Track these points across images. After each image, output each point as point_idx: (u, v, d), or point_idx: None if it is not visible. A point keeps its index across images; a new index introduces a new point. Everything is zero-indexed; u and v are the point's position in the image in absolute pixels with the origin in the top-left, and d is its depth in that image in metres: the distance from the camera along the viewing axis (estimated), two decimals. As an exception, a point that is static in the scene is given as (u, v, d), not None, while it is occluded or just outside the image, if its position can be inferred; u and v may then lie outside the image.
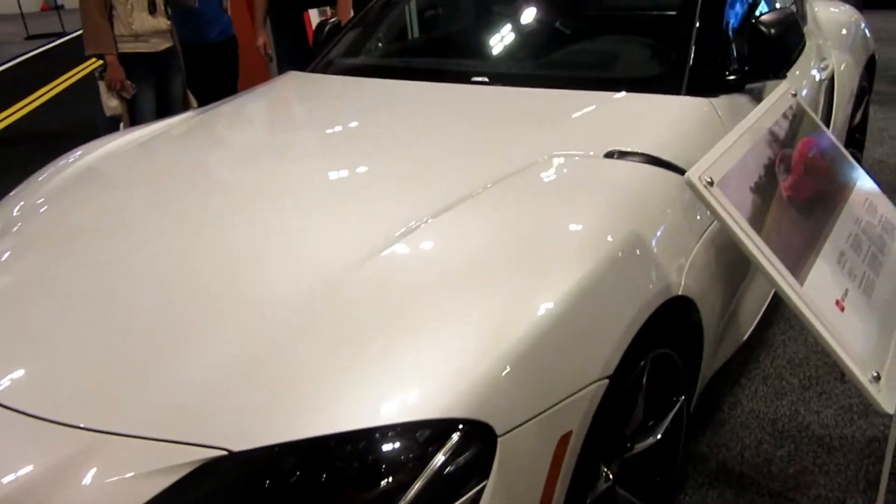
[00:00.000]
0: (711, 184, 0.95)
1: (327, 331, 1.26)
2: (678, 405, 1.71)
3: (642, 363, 1.48)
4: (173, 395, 1.19)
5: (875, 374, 0.94)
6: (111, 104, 3.64)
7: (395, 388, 1.15)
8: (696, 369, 1.80)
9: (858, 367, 0.92)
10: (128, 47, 3.57)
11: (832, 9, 3.59)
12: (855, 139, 3.53)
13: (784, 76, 2.12)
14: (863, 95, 3.49)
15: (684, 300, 1.58)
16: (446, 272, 1.36)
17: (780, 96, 1.25)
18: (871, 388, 0.93)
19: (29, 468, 1.11)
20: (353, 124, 2.15)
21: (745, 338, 2.16)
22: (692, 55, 2.07)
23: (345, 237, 1.50)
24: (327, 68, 2.59)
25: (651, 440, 1.64)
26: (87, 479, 1.09)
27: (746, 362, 2.47)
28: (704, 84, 2.03)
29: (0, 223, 1.87)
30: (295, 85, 2.58)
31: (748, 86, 2.15)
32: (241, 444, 1.11)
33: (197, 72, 3.98)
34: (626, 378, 1.40)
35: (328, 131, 2.17)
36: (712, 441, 2.14)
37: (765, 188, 1.02)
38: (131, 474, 1.10)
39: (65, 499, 1.08)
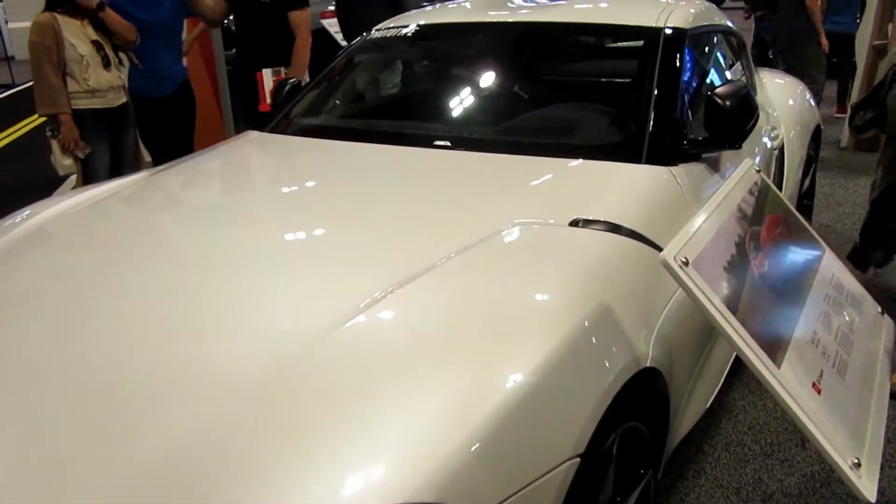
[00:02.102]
0: (686, 264, 0.94)
1: (284, 412, 1.19)
2: (646, 478, 1.67)
3: (612, 438, 1.45)
4: (111, 494, 1.09)
5: (855, 461, 0.92)
6: (65, 163, 3.54)
7: (358, 471, 1.09)
8: (662, 440, 1.77)
9: (839, 454, 0.91)
10: (83, 103, 3.50)
11: (778, 80, 3.73)
12: (804, 205, 3.64)
13: (739, 146, 2.17)
14: (810, 163, 3.61)
15: (652, 371, 1.56)
16: (411, 346, 1.31)
17: (744, 172, 1.27)
18: (853, 476, 0.91)
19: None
20: (314, 188, 2.11)
21: (709, 404, 2.15)
22: (651, 124, 2.11)
23: (306, 309, 1.44)
24: (286, 128, 2.56)
25: (620, 517, 1.60)
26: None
27: (708, 428, 2.46)
28: (664, 153, 2.06)
29: None
30: (253, 145, 2.54)
31: (704, 155, 2.19)
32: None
33: (152, 126, 3.91)
34: (597, 455, 1.36)
35: (288, 195, 2.12)
36: (678, 512, 2.10)
37: (738, 267, 1.01)
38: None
39: None
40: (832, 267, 1.21)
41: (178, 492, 1.08)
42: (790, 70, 4.92)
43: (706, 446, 2.38)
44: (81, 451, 1.16)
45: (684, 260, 0.95)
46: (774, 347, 0.95)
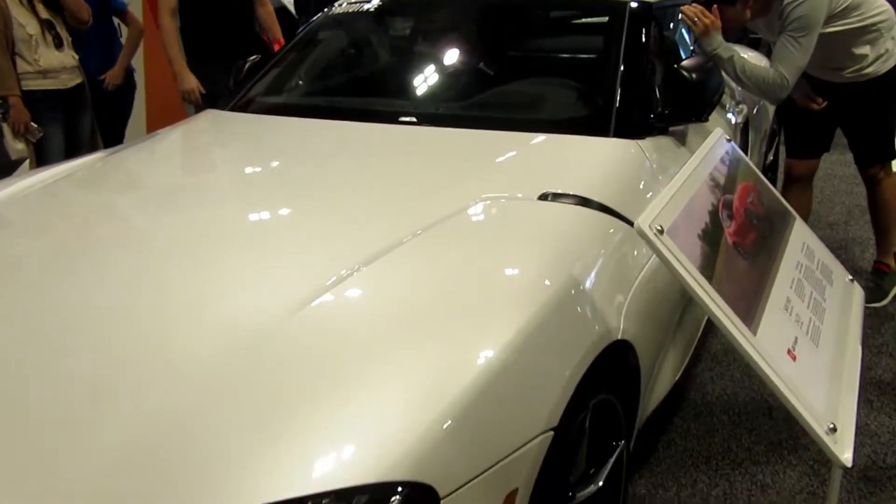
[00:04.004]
0: (662, 232, 0.93)
1: (250, 392, 1.16)
2: (618, 450, 1.67)
3: (585, 411, 1.44)
4: (74, 481, 1.05)
5: (831, 426, 0.92)
6: (17, 147, 3.41)
7: (327, 451, 1.06)
8: (633, 412, 1.78)
9: (815, 420, 0.91)
10: (34, 84, 3.38)
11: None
12: (768, 178, 3.67)
13: (706, 119, 2.17)
14: (773, 137, 3.64)
15: (623, 344, 1.56)
16: (380, 324, 1.29)
17: (716, 140, 1.26)
18: (829, 441, 0.92)
19: None
20: (276, 166, 2.06)
21: (678, 376, 2.17)
22: (618, 98, 2.10)
23: (271, 289, 1.41)
24: (247, 107, 2.50)
25: (593, 488, 1.60)
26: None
27: (678, 400, 2.48)
28: (631, 126, 2.06)
29: None
30: (213, 124, 2.47)
31: (671, 128, 2.19)
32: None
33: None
34: (571, 428, 1.35)
35: (249, 174, 2.07)
36: (649, 482, 2.12)
37: (711, 235, 1.00)
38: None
39: None
40: (802, 235, 1.21)
41: (146, 476, 1.04)
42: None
43: (676, 418, 2.40)
44: (48, 438, 1.12)
45: (659, 228, 0.94)
46: (749, 315, 0.95)
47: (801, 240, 1.20)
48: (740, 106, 3.00)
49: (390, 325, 1.28)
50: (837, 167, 4.83)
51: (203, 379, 1.18)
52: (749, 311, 0.95)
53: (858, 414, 2.25)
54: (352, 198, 1.78)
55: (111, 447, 1.09)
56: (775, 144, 3.70)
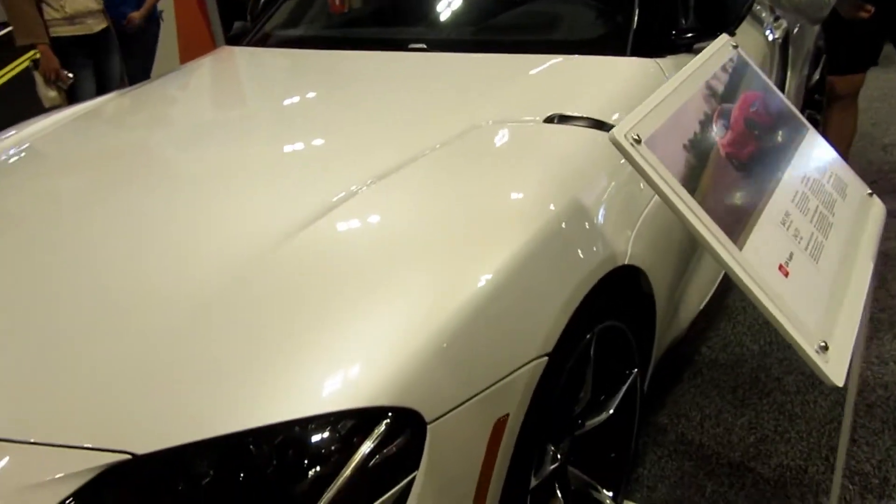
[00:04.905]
0: (638, 141, 0.87)
1: (243, 316, 1.16)
2: (630, 379, 1.64)
3: (588, 337, 1.41)
4: (74, 397, 1.09)
5: (822, 344, 0.87)
6: (49, 95, 3.47)
7: (314, 376, 1.06)
8: (649, 341, 1.74)
9: (804, 337, 0.86)
10: (62, 31, 3.41)
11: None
12: (814, 100, 3.48)
13: (733, 33, 2.04)
14: (819, 55, 3.44)
15: (632, 270, 1.51)
16: (377, 246, 1.27)
17: (719, 48, 1.17)
18: (818, 360, 0.86)
19: None
20: (287, 98, 2.04)
21: (703, 306, 2.11)
22: (637, 14, 1.99)
23: (270, 213, 1.40)
24: (263, 41, 2.48)
25: (603, 416, 1.58)
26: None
27: (706, 330, 2.42)
28: (651, 44, 1.95)
29: None
30: (229, 59, 2.45)
31: (696, 45, 2.07)
32: (146, 446, 1.01)
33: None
34: (569, 354, 1.32)
35: (261, 106, 2.06)
36: (672, 412, 2.09)
37: (700, 146, 0.94)
38: (30, 484, 1.00)
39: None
40: (815, 147, 1.13)
41: (145, 392, 1.07)
42: None
43: (704, 348, 2.35)
44: (60, 349, 1.17)
45: (636, 137, 0.88)
46: (736, 228, 0.89)
47: (812, 152, 1.12)
48: (779, 21, 2.82)
49: (386, 247, 1.26)
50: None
51: (193, 303, 1.19)
52: (737, 224, 0.89)
53: (881, 340, 2.17)
54: (357, 126, 1.75)
55: (111, 358, 1.12)
56: (821, 64, 3.49)
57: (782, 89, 2.78)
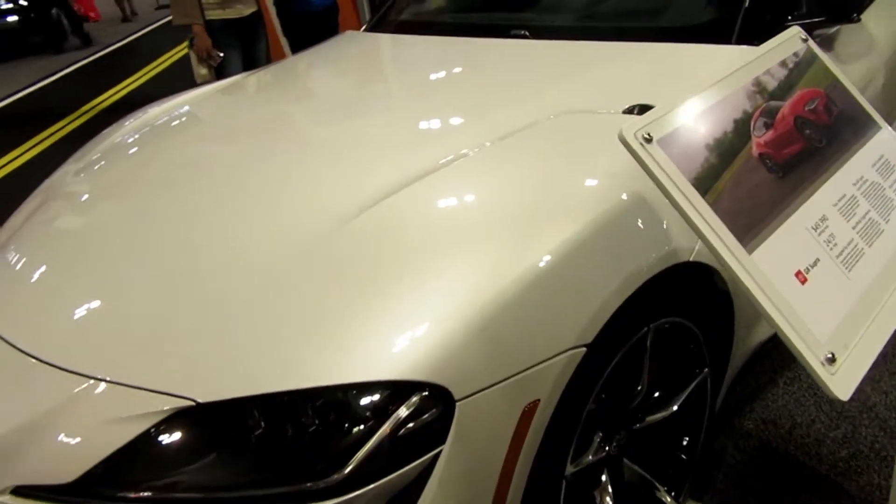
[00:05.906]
0: (649, 140, 0.86)
1: (305, 286, 1.27)
2: (699, 378, 1.60)
3: (645, 331, 1.40)
4: (153, 345, 1.24)
5: (829, 356, 0.82)
6: (201, 72, 3.80)
7: (359, 347, 1.15)
8: (726, 341, 1.68)
9: (807, 346, 0.81)
10: (214, 14, 3.71)
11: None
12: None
13: (857, 19, 1.90)
14: None
15: (700, 267, 1.47)
16: (438, 227, 1.33)
17: (783, 41, 1.10)
18: (821, 371, 0.81)
19: (6, 407, 1.20)
20: (387, 80, 2.15)
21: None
22: (748, -1, 1.89)
23: (350, 187, 1.50)
24: (382, 27, 2.60)
25: (666, 413, 1.56)
26: (63, 423, 1.16)
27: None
28: (761, 31, 1.85)
29: (72, 168, 2.02)
30: (349, 44, 2.60)
31: (816, 31, 1.94)
32: (208, 396, 1.15)
33: (302, 39, 4.06)
34: (614, 347, 1.32)
35: (367, 89, 2.18)
36: (760, 417, 2.00)
37: (727, 145, 0.90)
38: (104, 420, 1.16)
39: (41, 441, 1.16)
40: (884, 148, 1.04)
41: (213, 345, 1.21)
42: None
43: (808, 354, 2.22)
44: (153, 296, 1.34)
45: (647, 136, 0.87)
46: (751, 230, 0.85)
47: (878, 152, 1.03)
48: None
49: (445, 228, 1.32)
50: None
51: (265, 269, 1.31)
52: (751, 226, 0.85)
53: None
54: (441, 110, 1.81)
55: (176, 322, 1.27)
56: None
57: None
